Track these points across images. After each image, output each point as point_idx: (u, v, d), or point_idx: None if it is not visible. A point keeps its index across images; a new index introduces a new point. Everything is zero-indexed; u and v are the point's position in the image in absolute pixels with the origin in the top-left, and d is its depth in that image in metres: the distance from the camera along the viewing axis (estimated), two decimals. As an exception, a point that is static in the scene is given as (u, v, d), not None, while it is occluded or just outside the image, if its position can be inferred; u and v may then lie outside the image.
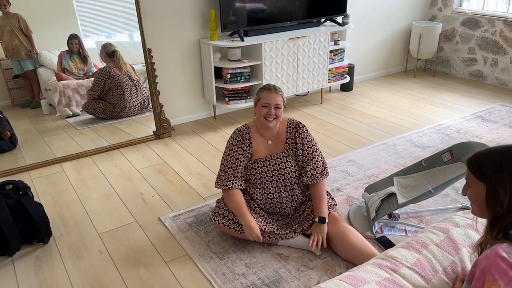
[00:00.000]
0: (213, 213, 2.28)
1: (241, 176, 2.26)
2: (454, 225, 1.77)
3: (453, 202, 2.59)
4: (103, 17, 3.32)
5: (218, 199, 2.39)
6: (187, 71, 3.79)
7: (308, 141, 2.25)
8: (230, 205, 2.20)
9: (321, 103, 4.32)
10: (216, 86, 3.74)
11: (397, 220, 2.41)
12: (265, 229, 2.19)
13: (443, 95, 4.42)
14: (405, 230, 2.33)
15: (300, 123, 2.29)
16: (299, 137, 2.26)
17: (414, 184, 2.39)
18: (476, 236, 1.70)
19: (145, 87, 3.63)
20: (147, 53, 3.42)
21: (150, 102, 3.58)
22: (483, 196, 1.17)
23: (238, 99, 3.82)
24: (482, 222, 1.73)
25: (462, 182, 2.69)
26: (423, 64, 5.35)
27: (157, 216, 2.57)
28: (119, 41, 3.50)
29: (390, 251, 1.69)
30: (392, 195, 2.33)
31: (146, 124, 3.69)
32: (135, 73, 3.56)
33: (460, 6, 4.95)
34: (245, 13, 3.66)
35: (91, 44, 3.39)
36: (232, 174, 2.24)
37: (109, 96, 3.51)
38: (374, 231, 2.30)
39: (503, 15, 4.52)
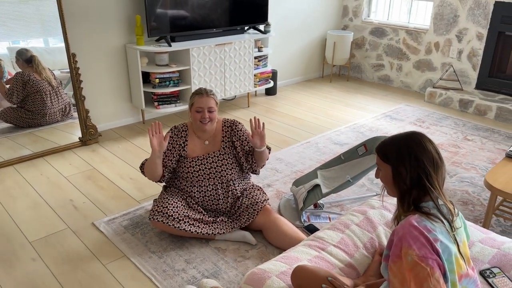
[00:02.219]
0: (151, 212, 2.33)
1: (168, 167, 2.35)
2: (371, 207, 2.03)
3: (369, 191, 2.90)
4: (16, 21, 3.16)
5: (155, 199, 2.44)
6: (113, 76, 3.76)
7: (246, 136, 2.40)
8: (147, 167, 2.32)
9: (248, 106, 4.52)
10: (144, 91, 3.76)
11: (322, 209, 2.65)
12: (205, 221, 2.30)
13: (356, 98, 4.86)
14: (329, 218, 2.57)
15: (235, 121, 2.44)
16: (235, 135, 2.40)
17: (335, 175, 2.65)
18: (389, 215, 1.97)
19: (66, 93, 3.53)
20: (71, 58, 3.35)
21: (72, 109, 3.49)
22: (390, 177, 1.39)
23: (167, 104, 3.87)
24: (391, 202, 2.01)
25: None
26: (337, 70, 5.81)
27: (91, 221, 2.54)
28: (34, 47, 3.35)
29: (318, 233, 1.89)
30: (317, 186, 2.56)
31: (69, 131, 3.58)
32: (55, 78, 3.44)
33: (369, 17, 5.47)
34: (171, 19, 3.74)
35: (2, 49, 3.20)
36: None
37: (28, 103, 3.36)
38: (302, 220, 2.51)
39: (405, 24, 5.09)
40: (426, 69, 4.98)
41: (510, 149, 2.49)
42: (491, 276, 1.63)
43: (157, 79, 3.74)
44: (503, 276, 1.63)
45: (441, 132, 3.89)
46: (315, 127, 4.00)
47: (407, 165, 1.33)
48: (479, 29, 4.45)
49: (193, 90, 3.75)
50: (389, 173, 1.38)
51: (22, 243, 2.33)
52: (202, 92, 2.32)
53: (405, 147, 1.36)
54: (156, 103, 3.83)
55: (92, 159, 3.31)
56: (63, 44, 3.31)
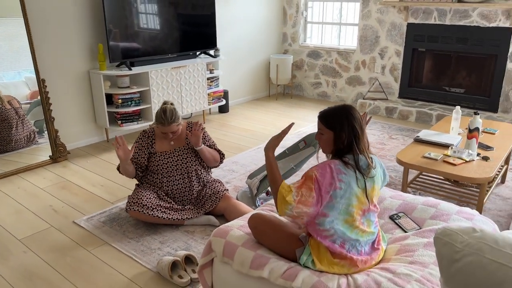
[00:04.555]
0: (127, 204, 2.71)
1: (141, 164, 2.77)
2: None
3: (312, 180, 3.44)
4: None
5: (129, 195, 2.82)
6: (79, 99, 4.13)
7: (206, 135, 2.88)
8: (122, 169, 2.72)
9: (204, 122, 5.00)
10: (108, 111, 4.14)
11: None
12: (175, 208, 2.72)
13: (299, 112, 5.49)
14: (280, 202, 3.07)
15: (198, 122, 2.91)
16: None
17: (282, 166, 3.16)
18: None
19: (29, 121, 3.76)
20: (41, 83, 3.70)
21: (36, 136, 3.76)
22: (332, 139, 1.85)
23: (130, 122, 4.26)
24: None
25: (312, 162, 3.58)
26: (282, 89, 6.46)
27: (71, 220, 2.88)
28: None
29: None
30: (267, 176, 3.06)
31: (37, 154, 3.83)
32: (21, 107, 3.70)
33: (305, 41, 6.21)
34: (129, 47, 4.20)
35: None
36: (133, 160, 2.74)
37: (-4, 131, 3.61)
38: (257, 205, 2.99)
39: (336, 47, 5.86)
40: (357, 84, 5.73)
41: (417, 135, 3.13)
42: (397, 218, 2.18)
43: (120, 100, 4.15)
44: (406, 217, 2.18)
45: (371, 134, 4.56)
46: (264, 136, 4.54)
47: (346, 132, 1.78)
48: (397, 47, 5.26)
49: (153, 109, 4.25)
50: (331, 137, 1.80)
51: (12, 240, 2.62)
52: (164, 123, 2.67)
53: (344, 117, 1.79)
54: (119, 122, 4.22)
55: (64, 173, 3.62)
56: (18, 79, 3.63)
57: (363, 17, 5.43)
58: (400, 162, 2.78)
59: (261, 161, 3.84)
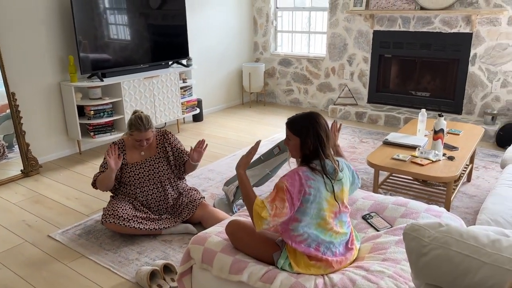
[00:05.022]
0: (103, 217, 2.69)
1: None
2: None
3: (287, 186, 3.51)
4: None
5: (104, 207, 2.80)
6: (50, 112, 4.06)
7: (176, 142, 2.89)
8: (101, 182, 2.70)
9: (178, 132, 5.00)
10: (80, 123, 4.10)
11: (250, 202, 3.18)
12: (151, 218, 2.72)
13: (272, 118, 5.57)
14: (256, 208, 3.11)
15: (166, 130, 2.92)
16: (167, 142, 2.88)
17: (258, 173, 3.21)
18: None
19: None
20: (11, 96, 3.63)
21: (6, 150, 3.69)
22: (298, 145, 1.93)
23: (103, 133, 4.23)
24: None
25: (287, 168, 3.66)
26: (255, 96, 6.54)
27: (46, 234, 2.83)
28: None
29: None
30: (243, 182, 3.10)
31: (7, 169, 3.74)
32: None
33: (276, 50, 6.32)
34: (100, 58, 4.18)
35: None
36: (104, 171, 2.73)
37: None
38: (234, 211, 3.02)
39: (306, 54, 5.99)
40: (327, 90, 5.87)
41: (386, 138, 3.25)
42: (369, 218, 2.26)
43: (92, 111, 4.11)
44: (378, 217, 2.27)
45: (342, 138, 4.68)
46: (239, 143, 4.59)
47: (311, 138, 1.85)
48: (364, 53, 5.43)
49: (126, 119, 4.23)
50: (298, 143, 1.88)
51: (-16, 257, 2.56)
52: (140, 128, 2.67)
53: (309, 124, 1.86)
54: (92, 133, 4.18)
55: (37, 187, 3.56)
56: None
57: (331, 25, 5.59)
58: (370, 164, 2.88)
59: (236, 168, 3.88)
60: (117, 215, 2.67)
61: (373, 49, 5.34)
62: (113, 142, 2.82)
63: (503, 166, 2.96)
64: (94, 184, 2.79)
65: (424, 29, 4.89)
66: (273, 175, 3.10)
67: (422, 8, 4.73)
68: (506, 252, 1.16)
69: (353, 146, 4.43)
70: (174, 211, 2.89)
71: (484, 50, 4.59)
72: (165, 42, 4.81)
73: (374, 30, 5.27)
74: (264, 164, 3.24)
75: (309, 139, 1.84)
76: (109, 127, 4.27)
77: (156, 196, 2.85)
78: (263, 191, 3.33)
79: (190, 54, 5.18)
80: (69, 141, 4.30)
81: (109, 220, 2.66)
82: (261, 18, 6.21)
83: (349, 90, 5.63)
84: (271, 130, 5.06)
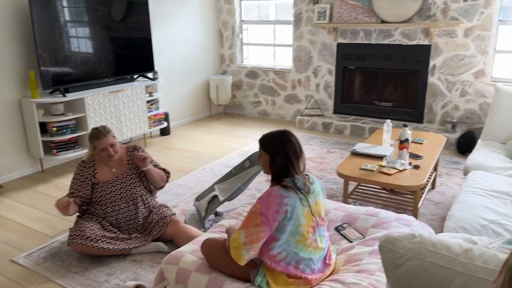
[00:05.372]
0: (69, 238, 2.59)
1: (85, 197, 2.66)
2: (257, 200, 2.60)
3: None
4: None
5: (71, 228, 2.69)
6: (9, 130, 3.89)
7: (147, 156, 2.83)
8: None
9: (146, 146, 4.91)
10: (42, 140, 3.94)
11: (221, 216, 3.15)
12: (121, 238, 2.63)
13: (241, 130, 5.57)
14: (228, 222, 3.08)
15: (136, 145, 2.86)
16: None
17: (229, 187, 3.19)
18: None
19: None
20: (-34, 113, 3.45)
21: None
22: (268, 162, 1.95)
23: (66, 150, 4.08)
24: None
25: (258, 180, 3.66)
26: (223, 109, 6.52)
27: (8, 259, 2.68)
28: None
29: (219, 223, 2.40)
30: (215, 197, 3.07)
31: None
32: None
33: (242, 62, 6.35)
34: (62, 72, 4.06)
35: None
36: (74, 193, 2.63)
37: None
38: (206, 227, 2.98)
39: (272, 67, 6.06)
40: (294, 101, 5.95)
41: (353, 148, 3.32)
42: (342, 229, 2.29)
43: (54, 128, 3.97)
44: (350, 228, 2.30)
45: (310, 149, 4.74)
46: (209, 157, 4.55)
47: (280, 156, 1.88)
48: (329, 65, 5.55)
49: (92, 135, 4.09)
50: (268, 160, 1.92)
51: None
52: (99, 135, 2.63)
53: (279, 142, 1.91)
54: (55, 151, 4.03)
55: (-5, 209, 3.38)
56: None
57: (296, 38, 5.68)
58: (340, 175, 2.93)
59: (207, 182, 3.84)
60: (84, 235, 2.57)
61: (337, 61, 5.47)
62: (82, 161, 2.73)
63: (465, 173, 3.09)
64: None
65: (386, 42, 5.06)
66: (245, 188, 3.09)
67: (383, 22, 4.90)
68: (478, 261, 1.20)
69: (322, 157, 4.49)
70: (144, 229, 2.81)
71: (442, 61, 4.80)
72: (130, 55, 4.73)
73: (337, 43, 5.40)
74: (236, 178, 3.23)
75: (278, 157, 1.87)
76: (72, 144, 4.13)
77: (127, 215, 2.77)
78: (235, 205, 3.31)
79: (156, 67, 5.12)
80: (31, 160, 4.12)
81: (75, 241, 2.56)
82: (227, 31, 6.23)
83: (316, 101, 5.73)
84: (240, 142, 5.06)
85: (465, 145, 4.41)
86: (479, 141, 3.60)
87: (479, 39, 4.54)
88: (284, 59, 6.10)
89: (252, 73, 6.18)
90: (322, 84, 5.66)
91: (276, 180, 1.90)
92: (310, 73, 5.71)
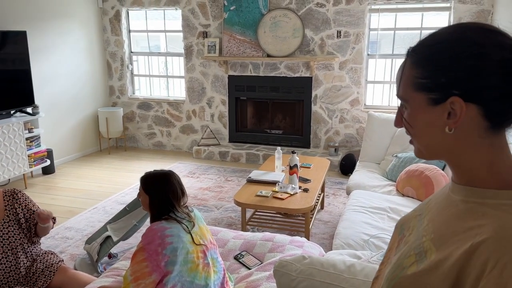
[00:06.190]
0: None
1: None
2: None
3: (156, 234, 3.40)
4: None
5: None
6: None
7: (27, 202, 2.57)
8: None
9: (26, 187, 4.46)
10: None
11: (117, 258, 2.99)
12: None
13: (136, 164, 5.39)
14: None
15: (15, 189, 2.59)
16: (17, 202, 2.54)
17: (124, 225, 3.05)
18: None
19: None
20: None
21: None
22: (147, 202, 1.90)
23: None
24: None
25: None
26: (114, 142, 6.25)
27: None
28: None
29: (113, 266, 2.27)
30: (108, 237, 2.91)
31: None
32: None
33: (134, 94, 6.21)
34: None
35: None
36: None
37: None
38: (99, 271, 2.79)
39: (166, 98, 6.02)
40: (190, 132, 5.96)
41: (248, 176, 3.43)
42: (241, 257, 2.34)
43: None
44: (249, 255, 2.36)
45: (209, 179, 4.77)
46: (100, 194, 4.30)
47: (160, 198, 1.88)
48: (222, 96, 5.71)
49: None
50: (147, 200, 1.91)
51: None
52: None
53: (160, 184, 1.92)
54: None
55: None
56: None
57: (188, 70, 5.76)
58: (237, 203, 3.00)
59: (98, 222, 3.61)
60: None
61: (229, 92, 5.66)
62: None
63: (348, 192, 3.39)
64: None
65: (272, 74, 5.40)
66: (141, 225, 2.98)
67: (268, 56, 5.23)
68: (360, 275, 1.33)
69: (220, 186, 4.55)
70: (27, 281, 2.53)
71: (322, 91, 5.27)
72: (5, 89, 4.32)
73: (229, 75, 5.60)
74: (130, 215, 3.11)
75: (157, 199, 1.88)
76: None
77: (6, 266, 2.46)
78: (131, 244, 3.17)
79: (37, 101, 4.75)
80: None
81: None
82: (116, 62, 6.06)
83: (211, 131, 5.82)
84: (134, 176, 4.88)
85: (346, 166, 4.85)
86: (358, 163, 3.99)
87: (352, 71, 5.10)
88: (178, 90, 6.11)
89: (145, 105, 6.07)
90: (217, 114, 5.78)
91: (156, 218, 1.89)
92: (204, 104, 5.80)
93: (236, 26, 5.32)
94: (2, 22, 4.44)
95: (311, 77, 5.25)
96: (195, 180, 4.72)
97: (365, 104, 5.23)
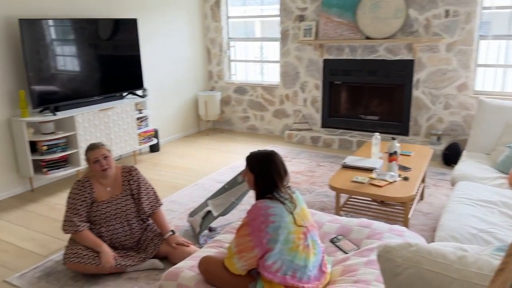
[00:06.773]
0: (65, 256, 2.57)
1: (85, 219, 2.66)
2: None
3: (251, 213, 3.53)
4: None
5: (66, 245, 2.68)
6: (0, 149, 3.87)
7: (141, 180, 2.84)
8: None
9: (136, 163, 4.90)
10: (32, 159, 3.92)
11: (216, 232, 3.17)
12: (116, 259, 2.63)
13: (231, 146, 5.62)
14: (223, 237, 3.10)
15: (132, 166, 2.87)
16: (132, 179, 2.82)
17: (223, 202, 3.22)
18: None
19: None
20: (-45, 133, 3.42)
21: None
22: (253, 181, 2.01)
23: (56, 169, 4.06)
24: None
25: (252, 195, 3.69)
26: (212, 124, 6.57)
27: (2, 279, 2.65)
28: None
29: (215, 238, 2.42)
30: (209, 212, 3.09)
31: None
32: None
33: (230, 79, 6.43)
34: (52, 91, 4.07)
35: None
36: (77, 219, 2.62)
37: None
38: (200, 243, 2.99)
39: (260, 82, 6.15)
40: (283, 116, 6.03)
41: (343, 161, 3.39)
42: (337, 241, 2.34)
43: (45, 147, 3.95)
44: (345, 239, 2.35)
45: (300, 163, 4.80)
46: (200, 172, 4.57)
47: (264, 177, 1.97)
48: (316, 81, 5.66)
49: (81, 153, 4.11)
50: (252, 179, 2.01)
51: None
52: (93, 147, 2.70)
53: (264, 163, 2.00)
54: (45, 169, 4.00)
55: (-15, 230, 3.33)
56: None
57: (283, 55, 5.80)
58: (332, 187, 2.98)
59: (199, 198, 3.86)
60: (80, 254, 2.56)
61: (323, 77, 5.58)
62: (78, 181, 2.72)
63: (453, 183, 3.18)
64: (67, 231, 2.64)
65: (370, 57, 5.20)
66: (239, 203, 3.12)
67: (367, 38, 5.04)
68: (472, 267, 1.25)
69: (311, 170, 4.56)
70: (139, 247, 2.81)
71: (426, 75, 4.95)
72: (119, 73, 4.76)
73: (324, 59, 5.52)
74: (229, 193, 3.26)
75: (262, 177, 1.96)
76: (63, 162, 4.11)
77: (122, 235, 2.76)
78: (229, 219, 3.34)
79: (145, 85, 5.16)
80: (21, 179, 4.08)
81: (72, 260, 2.55)
82: (215, 48, 6.32)
83: (304, 115, 5.82)
84: (230, 157, 5.10)
85: (450, 156, 4.53)
86: (464, 152, 3.71)
87: (461, 53, 4.71)
88: (272, 75, 6.20)
89: (240, 89, 6.26)
90: (310, 99, 5.76)
91: (260, 196, 1.97)
92: (297, 88, 5.81)
93: (334, 8, 5.20)
94: (116, 10, 4.87)
95: (413, 60, 4.96)
96: (288, 163, 4.78)
97: (474, 90, 4.81)
